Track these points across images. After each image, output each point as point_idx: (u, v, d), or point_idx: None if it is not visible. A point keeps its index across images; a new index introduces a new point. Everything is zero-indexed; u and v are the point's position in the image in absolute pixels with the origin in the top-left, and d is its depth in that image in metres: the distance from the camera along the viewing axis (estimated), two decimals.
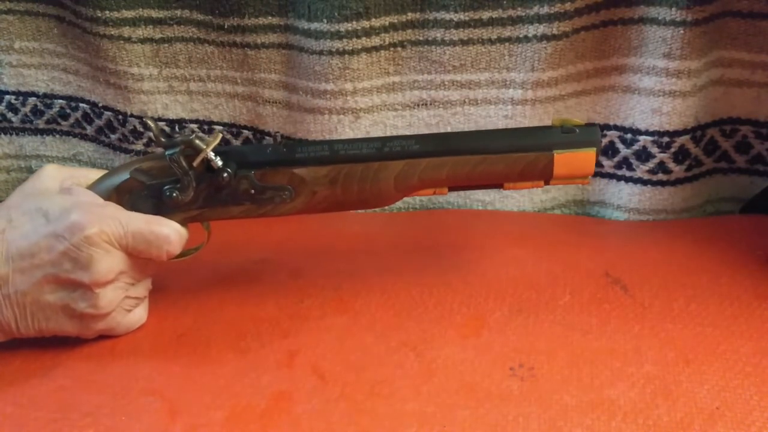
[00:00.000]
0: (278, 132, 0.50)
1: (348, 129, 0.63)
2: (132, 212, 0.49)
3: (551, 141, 0.49)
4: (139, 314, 0.52)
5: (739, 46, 0.59)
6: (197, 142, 0.48)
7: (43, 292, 0.47)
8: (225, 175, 0.48)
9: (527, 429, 0.42)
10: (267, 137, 0.67)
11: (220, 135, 0.49)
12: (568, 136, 0.48)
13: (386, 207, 0.67)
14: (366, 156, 0.49)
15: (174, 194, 0.49)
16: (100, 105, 0.69)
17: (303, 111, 0.63)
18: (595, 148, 0.48)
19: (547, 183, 0.50)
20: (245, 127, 0.68)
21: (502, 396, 0.44)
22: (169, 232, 0.48)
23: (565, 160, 0.48)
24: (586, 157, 0.49)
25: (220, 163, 0.48)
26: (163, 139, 0.48)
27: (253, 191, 0.49)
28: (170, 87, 0.67)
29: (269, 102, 0.65)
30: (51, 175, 0.51)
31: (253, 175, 0.49)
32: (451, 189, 0.51)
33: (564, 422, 0.42)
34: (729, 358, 0.47)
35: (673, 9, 0.56)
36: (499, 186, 0.51)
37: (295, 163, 0.49)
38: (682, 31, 0.56)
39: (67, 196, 0.49)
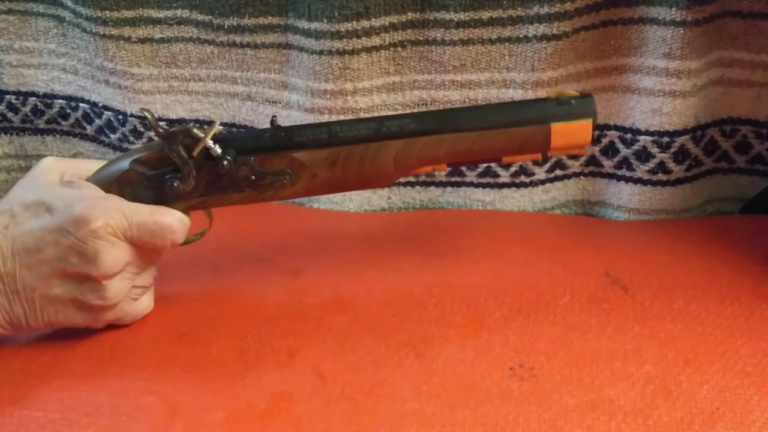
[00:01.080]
0: (275, 115, 0.50)
1: None
2: (135, 203, 0.49)
3: (548, 113, 0.49)
4: (146, 302, 0.52)
5: (739, 46, 0.59)
6: (195, 131, 0.48)
7: (51, 286, 0.47)
8: (225, 162, 0.48)
9: (527, 429, 0.42)
10: None
11: (217, 123, 0.49)
12: (564, 108, 0.49)
13: (386, 207, 0.67)
14: (364, 137, 0.49)
15: (175, 184, 0.49)
16: (100, 105, 0.69)
17: (303, 111, 0.63)
18: (591, 119, 0.49)
19: (544, 155, 0.51)
20: (245, 127, 0.68)
21: (502, 396, 0.45)
22: (172, 221, 0.49)
23: (562, 131, 0.49)
24: (582, 127, 0.49)
25: (219, 150, 0.48)
26: (161, 130, 0.48)
27: (253, 177, 0.49)
28: (170, 87, 0.67)
29: (269, 102, 0.65)
30: (51, 168, 0.51)
31: (253, 161, 0.49)
32: (450, 165, 0.51)
33: (564, 422, 0.42)
34: (729, 358, 0.47)
35: (673, 9, 0.56)
36: (497, 160, 0.51)
37: (293, 147, 0.49)
38: (682, 31, 0.56)
39: (70, 189, 0.49)
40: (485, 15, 0.58)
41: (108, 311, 0.49)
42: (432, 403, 0.44)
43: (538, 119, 0.49)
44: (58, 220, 0.46)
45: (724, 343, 0.48)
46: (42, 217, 0.47)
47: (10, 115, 0.72)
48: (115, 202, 0.48)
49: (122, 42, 0.64)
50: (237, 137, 0.51)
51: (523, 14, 0.57)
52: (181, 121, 0.68)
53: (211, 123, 0.68)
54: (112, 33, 0.63)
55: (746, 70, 0.60)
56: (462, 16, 0.58)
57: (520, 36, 0.58)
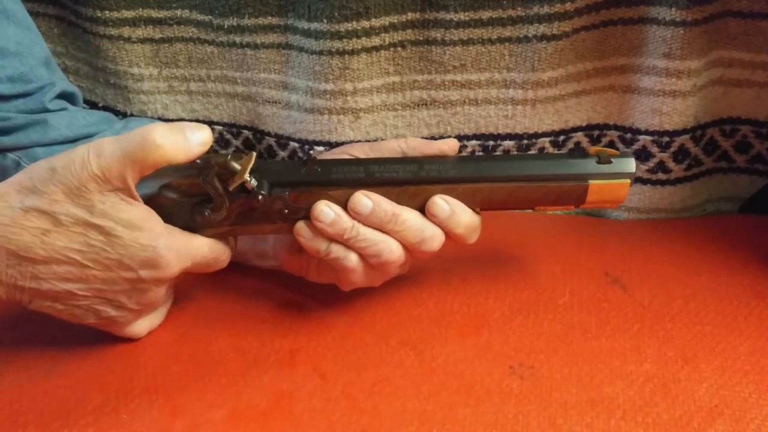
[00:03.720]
0: (312, 151, 0.49)
1: (348, 129, 0.63)
2: (195, 237, 0.47)
3: (587, 171, 0.49)
4: (148, 321, 0.51)
5: (739, 46, 0.59)
6: (233, 164, 0.46)
7: (78, 298, 0.46)
8: (260, 197, 0.47)
9: (527, 427, 0.42)
10: (267, 137, 0.67)
11: (254, 154, 0.47)
12: (603, 166, 0.49)
13: None
14: (402, 180, 0.48)
15: (206, 213, 0.48)
16: (100, 105, 0.69)
17: (303, 111, 0.63)
18: (629, 179, 0.49)
19: (577, 207, 0.51)
20: (245, 127, 0.68)
21: (502, 394, 0.45)
22: (224, 254, 0.49)
23: (599, 188, 0.49)
24: (620, 187, 0.49)
25: (254, 183, 0.47)
26: (198, 161, 0.46)
27: (286, 211, 0.48)
28: (170, 87, 0.67)
29: (269, 102, 0.65)
30: (107, 166, 0.43)
31: (288, 195, 0.48)
32: (483, 210, 0.50)
33: (564, 420, 0.43)
34: (728, 357, 0.47)
35: (673, 9, 0.56)
36: (530, 209, 0.51)
37: (329, 184, 0.48)
38: (682, 31, 0.56)
39: (127, 205, 0.44)
40: (485, 15, 0.58)
41: (123, 327, 0.49)
42: (432, 402, 0.44)
43: (576, 176, 0.49)
44: (120, 252, 0.44)
45: (722, 342, 0.48)
46: (96, 238, 0.44)
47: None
48: (181, 241, 0.46)
49: (122, 42, 0.64)
50: (272, 168, 0.49)
51: (523, 14, 0.57)
52: (180, 121, 0.68)
53: (212, 130, 0.67)
54: (112, 33, 0.63)
55: (746, 70, 0.60)
56: (462, 16, 0.58)
57: (520, 36, 0.58)
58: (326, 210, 0.47)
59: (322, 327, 0.52)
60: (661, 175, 0.63)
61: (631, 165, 0.49)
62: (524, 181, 0.49)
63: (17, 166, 0.56)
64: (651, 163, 0.62)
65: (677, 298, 0.53)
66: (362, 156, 0.51)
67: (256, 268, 0.58)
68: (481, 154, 0.55)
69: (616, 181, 0.49)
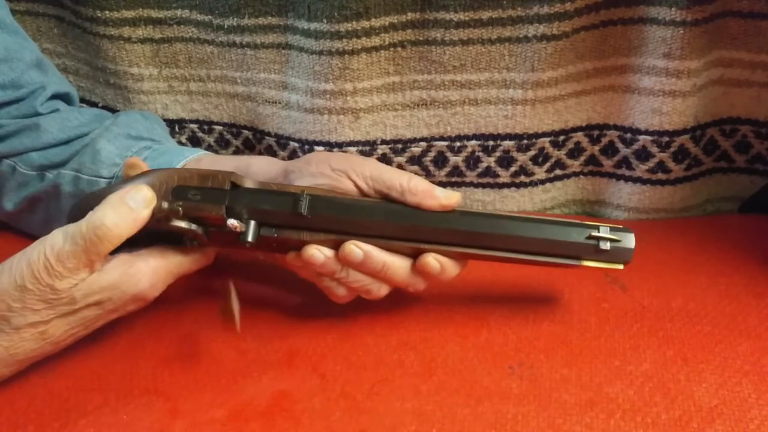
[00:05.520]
0: (304, 190, 0.48)
1: (348, 129, 0.63)
2: (173, 256, 0.48)
3: (583, 254, 0.48)
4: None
5: (739, 46, 0.59)
6: (164, 205, 0.45)
7: (81, 337, 0.47)
8: (246, 244, 0.47)
9: (526, 427, 0.42)
10: (267, 137, 0.67)
11: (231, 288, 0.49)
12: (601, 254, 0.47)
13: None
14: (393, 238, 0.48)
15: (194, 243, 0.48)
16: (100, 105, 0.69)
17: (303, 111, 0.63)
18: (623, 265, 0.48)
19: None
20: (245, 127, 0.68)
21: (502, 394, 0.45)
22: (208, 260, 0.50)
23: (591, 266, 0.48)
24: (612, 270, 0.48)
25: (239, 229, 0.47)
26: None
27: (275, 245, 0.49)
28: (170, 87, 0.67)
29: (269, 102, 0.65)
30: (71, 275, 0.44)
31: (276, 236, 0.48)
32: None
33: (563, 420, 0.43)
34: (727, 357, 0.47)
35: (673, 9, 0.56)
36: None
37: (319, 230, 0.48)
38: (682, 31, 0.56)
39: (104, 275, 0.45)
40: (485, 15, 0.58)
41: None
42: (431, 402, 0.44)
43: (571, 255, 0.48)
44: (112, 307, 0.46)
45: (722, 342, 0.48)
46: (89, 311, 0.45)
47: None
48: (161, 265, 0.47)
49: (122, 42, 0.64)
50: (259, 207, 0.47)
51: (523, 14, 0.57)
52: (180, 121, 0.68)
53: (212, 130, 0.67)
54: (112, 33, 0.64)
55: (746, 70, 0.60)
56: (462, 16, 0.58)
57: (520, 36, 0.58)
58: (317, 254, 0.47)
59: (322, 327, 0.52)
60: (661, 175, 0.63)
61: (629, 254, 0.47)
62: (518, 252, 0.48)
63: (13, 171, 0.56)
64: (651, 163, 0.62)
65: (677, 297, 0.53)
66: (361, 182, 0.50)
67: (255, 260, 0.58)
68: (478, 210, 0.52)
69: (610, 265, 0.48)
